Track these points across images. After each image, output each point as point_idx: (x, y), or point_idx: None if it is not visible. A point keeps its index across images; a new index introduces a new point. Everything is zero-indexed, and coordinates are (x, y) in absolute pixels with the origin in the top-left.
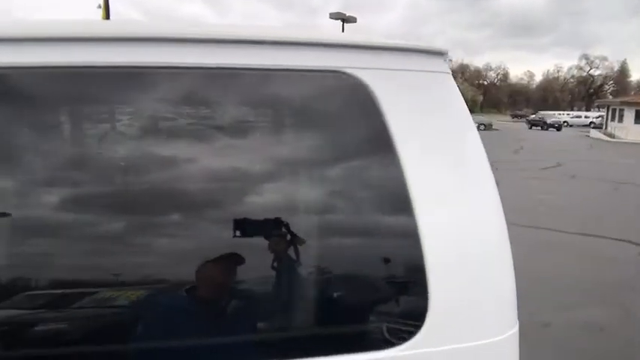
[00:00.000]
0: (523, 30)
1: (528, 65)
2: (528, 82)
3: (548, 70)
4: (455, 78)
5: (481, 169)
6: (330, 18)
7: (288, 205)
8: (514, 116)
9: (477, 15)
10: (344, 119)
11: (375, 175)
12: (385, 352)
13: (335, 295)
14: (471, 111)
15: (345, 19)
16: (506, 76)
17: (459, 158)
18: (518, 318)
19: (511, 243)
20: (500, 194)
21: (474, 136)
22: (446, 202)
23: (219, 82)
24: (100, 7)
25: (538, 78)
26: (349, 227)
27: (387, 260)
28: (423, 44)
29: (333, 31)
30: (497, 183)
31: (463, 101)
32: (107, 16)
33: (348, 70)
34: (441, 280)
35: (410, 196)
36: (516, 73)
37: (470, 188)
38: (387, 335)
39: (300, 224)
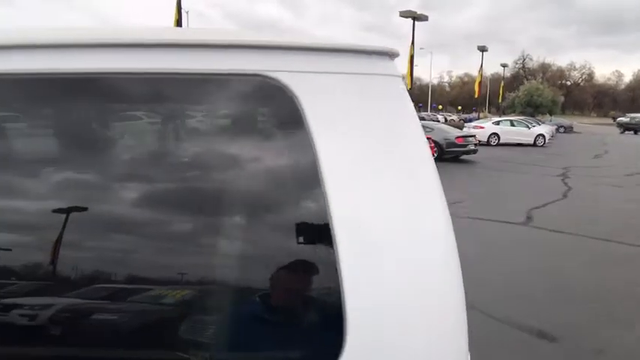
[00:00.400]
0: (612, 27)
1: (616, 65)
2: (616, 82)
3: (639, 70)
4: (535, 77)
5: (426, 187)
6: (400, 16)
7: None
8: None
9: (562, 11)
10: (263, 122)
11: (294, 182)
12: None
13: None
14: (551, 113)
15: (416, 17)
16: (591, 76)
17: (397, 176)
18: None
19: (580, 256)
20: (572, 202)
21: (419, 150)
22: (373, 231)
23: (137, 87)
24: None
25: (627, 78)
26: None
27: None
28: (359, 45)
29: (257, 34)
30: (569, 189)
31: (409, 106)
32: (179, 17)
33: (271, 74)
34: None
35: (331, 224)
36: (603, 72)
37: (412, 211)
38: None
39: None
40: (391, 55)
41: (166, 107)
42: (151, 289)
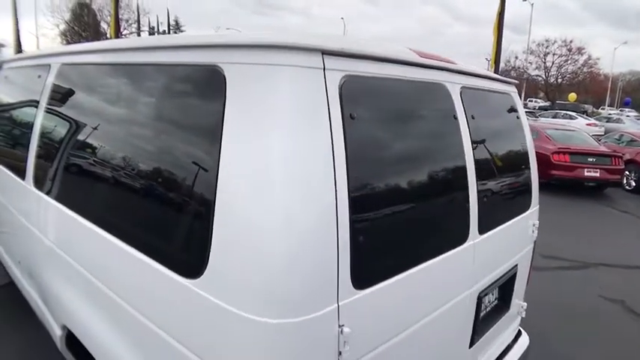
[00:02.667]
0: None
1: None
2: None
3: None
4: None
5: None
6: None
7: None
8: None
9: None
10: (200, 103)
11: (200, 153)
12: (180, 278)
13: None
14: None
15: None
16: None
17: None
18: None
19: None
20: None
21: (308, 135)
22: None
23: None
24: None
25: None
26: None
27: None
28: (279, 40)
29: (213, 33)
30: None
31: (307, 98)
32: None
33: (219, 65)
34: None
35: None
36: None
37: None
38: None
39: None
40: (310, 49)
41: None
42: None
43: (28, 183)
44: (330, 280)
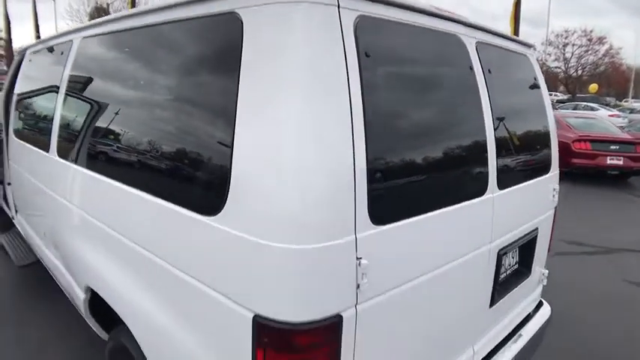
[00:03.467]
0: None
1: None
2: None
3: None
4: None
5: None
6: None
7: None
8: None
9: None
10: (219, 50)
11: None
12: (204, 217)
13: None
14: None
15: None
16: None
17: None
18: None
19: None
20: None
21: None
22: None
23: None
24: None
25: None
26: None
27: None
28: None
29: None
30: None
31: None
32: None
33: (237, 10)
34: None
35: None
36: None
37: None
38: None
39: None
40: None
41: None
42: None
43: (52, 154)
44: (348, 212)
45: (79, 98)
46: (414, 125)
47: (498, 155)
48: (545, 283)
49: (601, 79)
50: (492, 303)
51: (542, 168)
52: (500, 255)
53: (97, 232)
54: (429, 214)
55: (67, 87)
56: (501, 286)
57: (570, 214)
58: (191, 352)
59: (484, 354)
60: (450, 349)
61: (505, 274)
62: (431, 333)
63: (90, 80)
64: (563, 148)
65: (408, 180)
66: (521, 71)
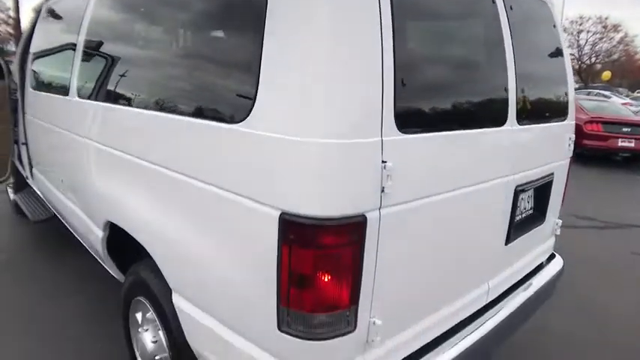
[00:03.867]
0: None
1: None
2: None
3: None
4: None
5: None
6: None
7: None
8: None
9: None
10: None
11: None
12: (230, 125)
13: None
14: None
15: None
16: None
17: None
18: None
19: None
20: None
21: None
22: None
23: None
24: None
25: None
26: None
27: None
28: None
29: None
30: None
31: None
32: None
33: None
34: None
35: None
36: None
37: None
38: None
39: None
40: None
41: None
42: None
43: (72, 96)
44: (376, 114)
45: (100, 38)
46: (439, 46)
47: (518, 90)
48: (558, 233)
49: (614, 67)
50: (508, 241)
51: (560, 113)
52: (518, 192)
53: (118, 162)
54: (452, 132)
55: (87, 30)
56: (517, 227)
57: (581, 193)
58: (216, 265)
59: (497, 293)
60: (467, 279)
61: (521, 216)
62: (449, 257)
63: (109, 21)
64: (575, 129)
65: (432, 96)
66: (541, 17)
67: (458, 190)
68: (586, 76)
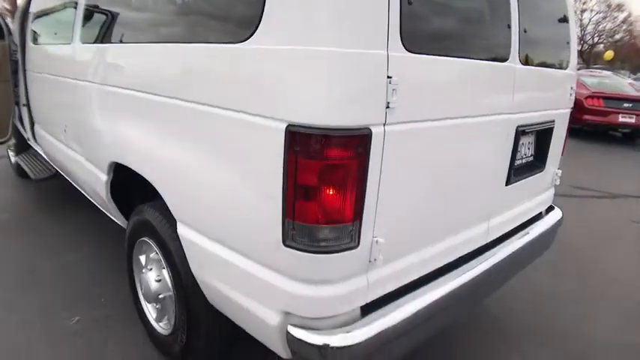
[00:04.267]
0: None
1: None
2: None
3: None
4: None
5: None
6: None
7: None
8: None
9: None
10: None
11: None
12: (234, 45)
13: None
14: None
15: None
16: None
17: None
18: None
19: None
20: None
21: None
22: None
23: None
24: None
25: None
26: None
27: None
28: None
29: None
30: None
31: None
32: None
33: None
34: None
35: None
36: None
37: None
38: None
39: None
40: None
41: None
42: None
43: (76, 42)
44: (382, 28)
45: None
46: None
47: (521, 29)
48: (557, 183)
49: (617, 48)
50: (508, 182)
51: (562, 62)
52: (519, 133)
53: (123, 101)
54: (456, 59)
55: None
56: (517, 171)
57: (578, 165)
58: (221, 188)
59: (497, 235)
60: (468, 214)
61: (521, 160)
62: (451, 186)
63: None
64: (576, 104)
65: (437, 20)
66: None
67: (461, 119)
68: (588, 58)
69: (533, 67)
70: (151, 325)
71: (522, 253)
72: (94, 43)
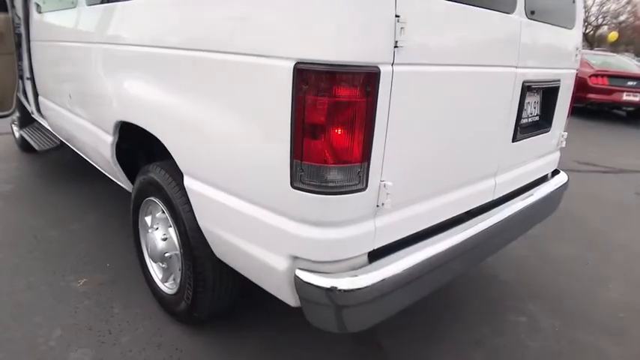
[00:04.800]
0: None
1: None
2: None
3: None
4: None
5: None
6: None
7: None
8: None
9: None
10: None
11: None
12: None
13: None
14: None
15: None
16: None
17: None
18: None
19: None
20: None
21: None
22: None
23: None
24: None
25: None
26: None
27: None
28: None
29: None
30: None
31: None
32: None
33: None
34: None
35: None
36: None
37: None
38: None
39: None
40: None
41: None
42: None
43: (80, 5)
44: None
45: None
46: None
47: None
48: (563, 145)
49: (621, 30)
50: (515, 138)
51: (568, 21)
52: (525, 88)
53: (129, 58)
54: (462, 4)
55: None
56: (524, 128)
57: (583, 142)
58: (227, 134)
59: (503, 192)
60: (474, 167)
61: (527, 119)
62: (458, 136)
63: None
64: (580, 83)
65: None
66: None
67: (468, 67)
68: (592, 40)
69: (539, 23)
70: (157, 285)
71: (528, 213)
72: (100, 3)
